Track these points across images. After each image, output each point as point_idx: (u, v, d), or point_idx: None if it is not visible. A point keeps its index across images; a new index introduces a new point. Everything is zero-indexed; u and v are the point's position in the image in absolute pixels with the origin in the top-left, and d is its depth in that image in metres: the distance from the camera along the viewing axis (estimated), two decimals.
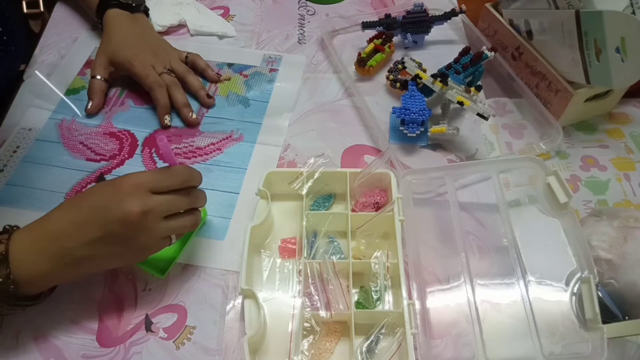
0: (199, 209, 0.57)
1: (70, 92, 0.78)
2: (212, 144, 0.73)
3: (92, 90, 0.75)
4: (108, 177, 0.68)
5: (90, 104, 0.75)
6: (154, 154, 0.71)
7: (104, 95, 0.76)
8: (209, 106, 0.77)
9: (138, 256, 0.54)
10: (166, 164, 0.54)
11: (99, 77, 0.75)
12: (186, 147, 0.72)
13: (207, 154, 0.71)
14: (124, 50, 0.75)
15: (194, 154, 0.71)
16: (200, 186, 0.67)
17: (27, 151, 0.70)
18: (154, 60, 0.75)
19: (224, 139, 0.73)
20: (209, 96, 0.77)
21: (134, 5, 0.79)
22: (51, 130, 0.73)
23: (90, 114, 0.75)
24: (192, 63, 0.80)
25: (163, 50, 0.79)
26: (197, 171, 0.56)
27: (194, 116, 0.75)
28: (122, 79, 0.78)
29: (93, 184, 0.67)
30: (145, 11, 0.83)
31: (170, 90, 0.75)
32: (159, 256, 0.58)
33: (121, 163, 0.70)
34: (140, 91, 0.76)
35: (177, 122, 0.75)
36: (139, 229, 0.50)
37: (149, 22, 0.83)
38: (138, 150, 0.71)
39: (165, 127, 0.74)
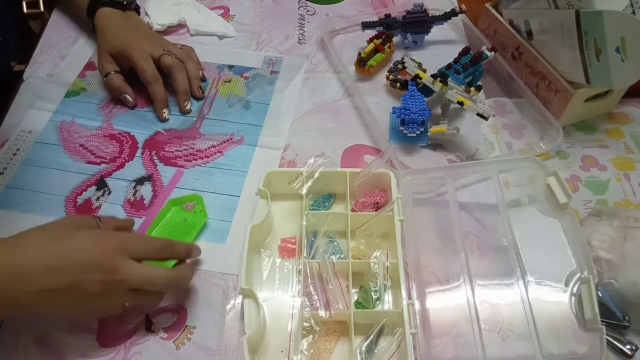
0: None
1: (70, 94, 0.78)
2: (213, 146, 0.73)
3: (114, 86, 0.75)
4: (108, 179, 0.68)
5: (129, 100, 0.75)
6: (154, 157, 0.71)
7: (128, 85, 0.76)
8: (197, 98, 0.78)
9: (85, 315, 0.54)
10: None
11: (112, 72, 0.75)
12: (187, 149, 0.72)
13: (208, 157, 0.71)
14: (120, 40, 0.75)
15: (195, 157, 0.71)
16: (201, 188, 0.67)
17: (27, 154, 0.70)
18: (151, 46, 0.75)
19: (224, 142, 0.73)
20: (200, 89, 0.77)
21: (125, 3, 0.79)
22: (51, 133, 0.73)
23: (161, 118, 0.75)
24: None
25: (159, 37, 0.79)
26: (196, 249, 0.57)
27: (189, 106, 0.75)
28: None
29: (93, 187, 0.67)
30: (137, 9, 0.82)
31: (173, 72, 0.75)
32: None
33: (121, 165, 0.70)
34: (141, 93, 0.77)
35: (178, 125, 0.75)
36: (104, 293, 0.49)
37: (140, 18, 0.83)
38: (138, 153, 0.71)
39: (163, 121, 0.74)
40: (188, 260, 0.59)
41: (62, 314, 0.52)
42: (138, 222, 0.64)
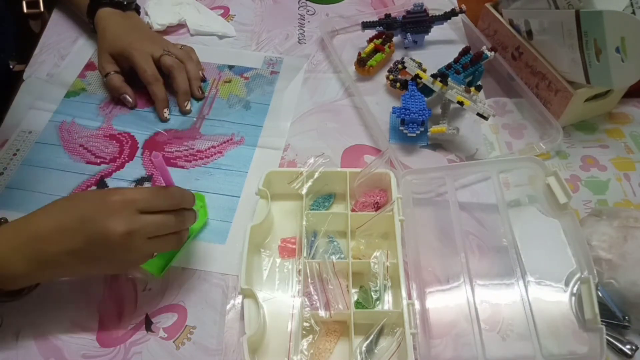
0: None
1: (70, 94, 0.78)
2: (213, 146, 0.73)
3: (114, 86, 0.75)
4: (108, 180, 0.68)
5: (129, 100, 0.75)
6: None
7: (128, 86, 0.76)
8: (198, 98, 0.78)
9: (118, 269, 0.56)
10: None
11: (112, 72, 0.75)
12: (187, 150, 0.72)
13: (208, 157, 0.71)
14: (121, 40, 0.75)
15: (195, 157, 0.71)
16: (201, 188, 0.67)
17: (27, 154, 0.70)
18: (151, 46, 0.75)
19: (224, 142, 0.73)
20: (200, 90, 0.77)
21: (125, 3, 0.79)
22: (51, 133, 0.73)
23: (162, 118, 0.75)
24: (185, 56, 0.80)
25: (159, 37, 0.80)
26: (189, 193, 0.56)
27: (189, 107, 0.76)
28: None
29: (93, 187, 0.67)
30: (137, 9, 0.83)
31: (173, 73, 0.75)
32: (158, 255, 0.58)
33: (121, 166, 0.70)
34: (141, 93, 0.77)
35: (178, 125, 0.75)
36: (122, 247, 0.50)
37: (140, 18, 0.83)
38: (138, 153, 0.71)
39: (164, 121, 0.75)
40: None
41: (96, 270, 0.55)
42: None
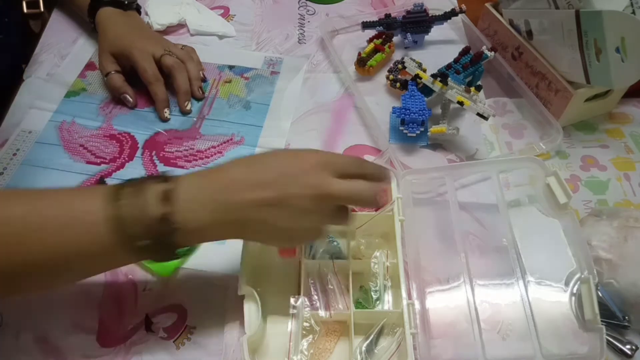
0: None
1: (70, 94, 0.78)
2: (213, 147, 0.73)
3: (115, 85, 0.75)
4: (108, 180, 0.68)
5: (129, 100, 0.75)
6: (154, 157, 0.71)
7: (128, 85, 0.76)
8: (198, 98, 0.78)
9: (293, 240, 0.52)
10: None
11: (113, 71, 0.75)
12: (187, 150, 0.72)
13: (208, 157, 0.71)
14: (122, 40, 0.75)
15: (195, 157, 0.71)
16: None
17: (27, 154, 0.70)
18: (152, 46, 0.75)
19: (224, 142, 0.73)
20: (201, 90, 0.78)
21: (126, 2, 0.79)
22: (51, 133, 0.73)
23: (163, 117, 0.74)
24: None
25: (160, 37, 0.80)
26: (387, 171, 0.54)
27: (189, 107, 0.76)
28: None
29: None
30: (137, 9, 0.83)
31: (174, 72, 0.75)
32: None
33: (121, 166, 0.70)
34: (141, 93, 0.77)
35: (178, 125, 0.75)
36: (314, 209, 0.47)
37: (141, 18, 0.83)
38: (138, 153, 0.71)
39: (165, 121, 0.75)
40: None
41: (276, 232, 0.48)
42: None
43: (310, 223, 0.48)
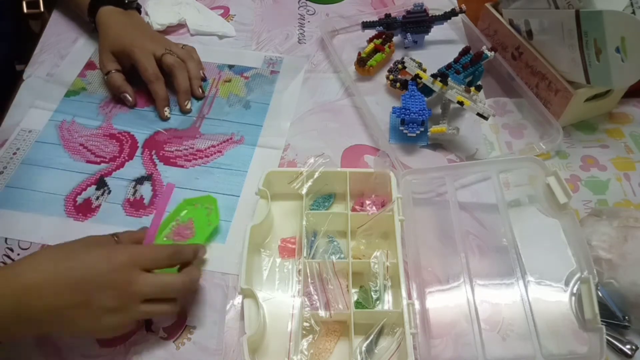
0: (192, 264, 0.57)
1: (70, 93, 0.78)
2: (213, 146, 0.73)
3: (115, 84, 0.75)
4: (108, 179, 0.68)
5: (129, 99, 0.75)
6: (154, 156, 0.71)
7: (128, 84, 0.76)
8: (198, 97, 0.78)
9: (100, 332, 0.52)
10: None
11: (113, 70, 0.75)
12: (186, 149, 0.72)
13: (208, 157, 0.71)
14: (123, 38, 0.75)
15: (195, 156, 0.71)
16: (201, 187, 0.67)
17: (27, 153, 0.70)
18: (153, 45, 0.75)
19: (224, 141, 0.73)
20: (201, 89, 0.78)
21: (126, 1, 0.79)
22: (51, 132, 0.73)
23: (163, 116, 0.75)
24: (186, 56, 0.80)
25: (160, 36, 0.80)
26: (203, 249, 0.58)
27: (189, 106, 0.76)
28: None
29: (93, 186, 0.67)
30: (138, 8, 0.83)
31: (174, 72, 0.75)
32: None
33: (121, 165, 0.70)
34: (140, 92, 0.77)
35: (177, 124, 0.75)
36: (119, 307, 0.48)
37: (141, 17, 0.83)
38: (138, 152, 0.71)
39: (165, 120, 0.75)
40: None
41: (77, 331, 0.51)
42: (147, 221, 0.64)
43: (116, 320, 0.49)
